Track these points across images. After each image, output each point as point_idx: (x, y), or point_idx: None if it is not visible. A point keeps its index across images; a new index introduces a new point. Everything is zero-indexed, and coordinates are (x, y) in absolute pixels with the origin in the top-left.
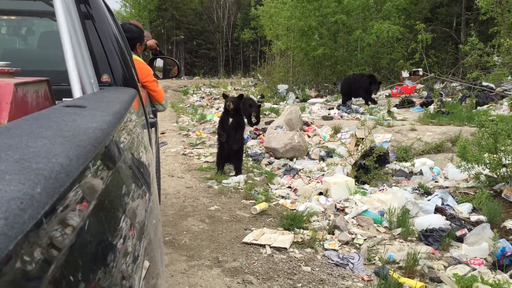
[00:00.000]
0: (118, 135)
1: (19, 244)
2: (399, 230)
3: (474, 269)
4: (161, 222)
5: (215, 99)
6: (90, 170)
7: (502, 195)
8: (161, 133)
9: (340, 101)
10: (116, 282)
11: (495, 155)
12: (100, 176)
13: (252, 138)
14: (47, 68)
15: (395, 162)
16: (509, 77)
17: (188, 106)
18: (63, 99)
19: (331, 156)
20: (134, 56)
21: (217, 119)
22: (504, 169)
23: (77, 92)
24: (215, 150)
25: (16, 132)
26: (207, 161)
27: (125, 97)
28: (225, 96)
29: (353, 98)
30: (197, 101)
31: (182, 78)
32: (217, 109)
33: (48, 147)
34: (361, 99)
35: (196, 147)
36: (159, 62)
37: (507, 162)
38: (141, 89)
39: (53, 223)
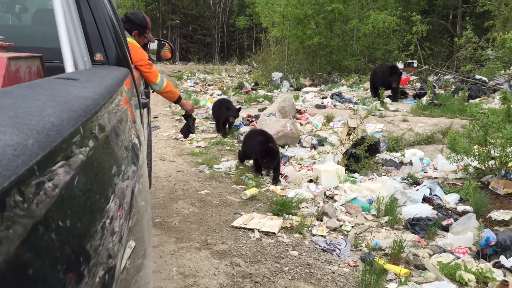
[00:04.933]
0: (110, 109)
1: (13, 183)
2: (386, 218)
3: (458, 258)
4: (152, 204)
5: (209, 85)
6: (81, 133)
7: (490, 187)
8: (154, 117)
9: (334, 90)
10: (98, 256)
11: (484, 148)
12: (90, 142)
13: (245, 125)
14: (41, 45)
15: (385, 152)
16: (502, 71)
17: (182, 92)
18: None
19: (323, 145)
20: (129, 39)
21: (210, 105)
22: (492, 162)
23: (69, 69)
24: (207, 135)
25: (10, 95)
26: (199, 146)
27: (117, 74)
28: None
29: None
30: (191, 86)
31: (176, 63)
32: (211, 95)
33: (40, 108)
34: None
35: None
36: (153, 45)
37: (496, 154)
38: (135, 70)
39: (44, 173)
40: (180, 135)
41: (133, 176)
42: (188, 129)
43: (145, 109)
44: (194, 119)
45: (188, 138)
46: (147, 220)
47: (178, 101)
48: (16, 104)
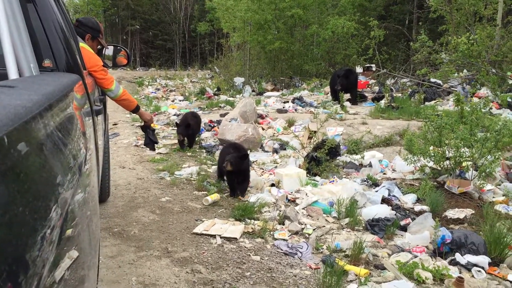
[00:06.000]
0: (48, 116)
1: None
2: (347, 220)
3: (415, 256)
4: (111, 213)
5: (170, 91)
6: (5, 142)
7: (445, 187)
8: (113, 124)
9: (296, 94)
10: (28, 268)
11: (439, 148)
12: (17, 150)
13: (207, 130)
14: None
15: (346, 154)
16: (456, 74)
17: (143, 98)
18: None
19: (285, 149)
20: (82, 44)
21: (172, 111)
22: (447, 162)
23: (13, 76)
24: (168, 141)
25: None
26: (160, 153)
27: (64, 81)
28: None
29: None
30: (152, 92)
31: (137, 69)
32: (173, 101)
33: None
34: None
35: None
36: (108, 51)
37: (450, 155)
38: (88, 76)
39: None
40: (145, 147)
41: (74, 185)
42: (151, 141)
43: (100, 116)
44: (154, 129)
45: (155, 151)
46: (93, 230)
47: (136, 110)
48: None
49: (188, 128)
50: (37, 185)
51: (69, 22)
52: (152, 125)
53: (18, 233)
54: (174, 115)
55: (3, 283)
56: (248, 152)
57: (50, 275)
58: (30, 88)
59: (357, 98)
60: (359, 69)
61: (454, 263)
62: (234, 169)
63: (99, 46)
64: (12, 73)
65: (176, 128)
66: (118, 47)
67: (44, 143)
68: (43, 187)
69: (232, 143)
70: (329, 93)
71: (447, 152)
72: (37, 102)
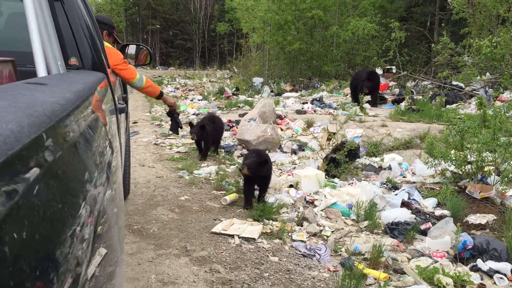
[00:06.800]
0: (79, 114)
1: None
2: (366, 223)
3: (436, 261)
4: (130, 211)
5: (189, 90)
6: (44, 140)
7: (466, 191)
8: (133, 123)
9: (315, 95)
10: (65, 264)
11: (461, 153)
12: (55, 148)
13: (225, 130)
14: (14, 49)
15: (365, 157)
16: (478, 77)
17: None
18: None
19: (303, 150)
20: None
21: (191, 110)
22: (469, 166)
23: (41, 73)
24: (187, 140)
25: None
26: (179, 152)
27: (91, 79)
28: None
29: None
30: (171, 91)
31: (157, 68)
32: (192, 100)
33: None
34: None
35: (168, 137)
36: (131, 49)
37: (472, 159)
38: (111, 75)
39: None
40: (170, 132)
41: (104, 182)
42: (176, 125)
43: (122, 115)
44: (178, 113)
45: (179, 134)
46: (120, 227)
47: (160, 96)
48: None
49: (203, 130)
50: (72, 183)
51: (94, 20)
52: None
53: (58, 231)
54: (193, 114)
55: (39, 279)
56: (267, 152)
57: (83, 272)
58: (61, 85)
59: (377, 100)
60: (379, 71)
61: (475, 269)
62: (252, 175)
63: (114, 43)
64: (41, 71)
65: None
66: (140, 46)
67: (77, 140)
68: (77, 184)
69: (256, 149)
70: (348, 94)
71: (469, 156)
72: (70, 99)
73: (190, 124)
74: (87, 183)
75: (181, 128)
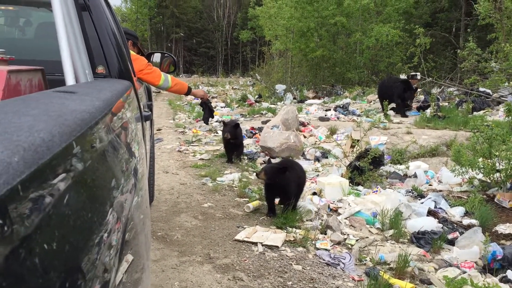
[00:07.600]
0: (108, 122)
1: None
2: (391, 231)
3: (464, 272)
4: (154, 217)
5: (213, 97)
6: (74, 148)
7: (495, 200)
8: (157, 130)
9: (338, 102)
10: (93, 271)
11: (489, 160)
12: (84, 156)
13: (248, 137)
14: (43, 58)
15: (389, 164)
16: (506, 84)
17: (186, 104)
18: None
19: (326, 157)
20: None
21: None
22: (497, 174)
23: (70, 82)
24: (210, 147)
25: (2, 109)
26: (203, 159)
27: (118, 87)
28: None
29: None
30: (195, 99)
31: (180, 75)
32: (215, 107)
33: (31, 123)
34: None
35: (191, 144)
36: (156, 58)
37: (501, 167)
38: (137, 83)
39: (30, 192)
40: (202, 123)
41: (131, 189)
42: (209, 114)
43: (148, 122)
44: (210, 102)
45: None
46: (146, 234)
47: (189, 92)
48: (6, 119)
49: (236, 129)
50: (101, 190)
51: (121, 29)
52: (194, 131)
53: (86, 238)
54: (216, 121)
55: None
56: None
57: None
58: (90, 94)
59: (406, 109)
60: (403, 77)
61: (505, 280)
62: (268, 181)
63: (138, 53)
64: (70, 79)
65: (222, 128)
66: (166, 54)
67: (105, 148)
68: (106, 191)
69: (290, 159)
70: (372, 101)
71: (497, 164)
72: (99, 107)
73: (223, 123)
74: (114, 190)
75: (212, 117)
